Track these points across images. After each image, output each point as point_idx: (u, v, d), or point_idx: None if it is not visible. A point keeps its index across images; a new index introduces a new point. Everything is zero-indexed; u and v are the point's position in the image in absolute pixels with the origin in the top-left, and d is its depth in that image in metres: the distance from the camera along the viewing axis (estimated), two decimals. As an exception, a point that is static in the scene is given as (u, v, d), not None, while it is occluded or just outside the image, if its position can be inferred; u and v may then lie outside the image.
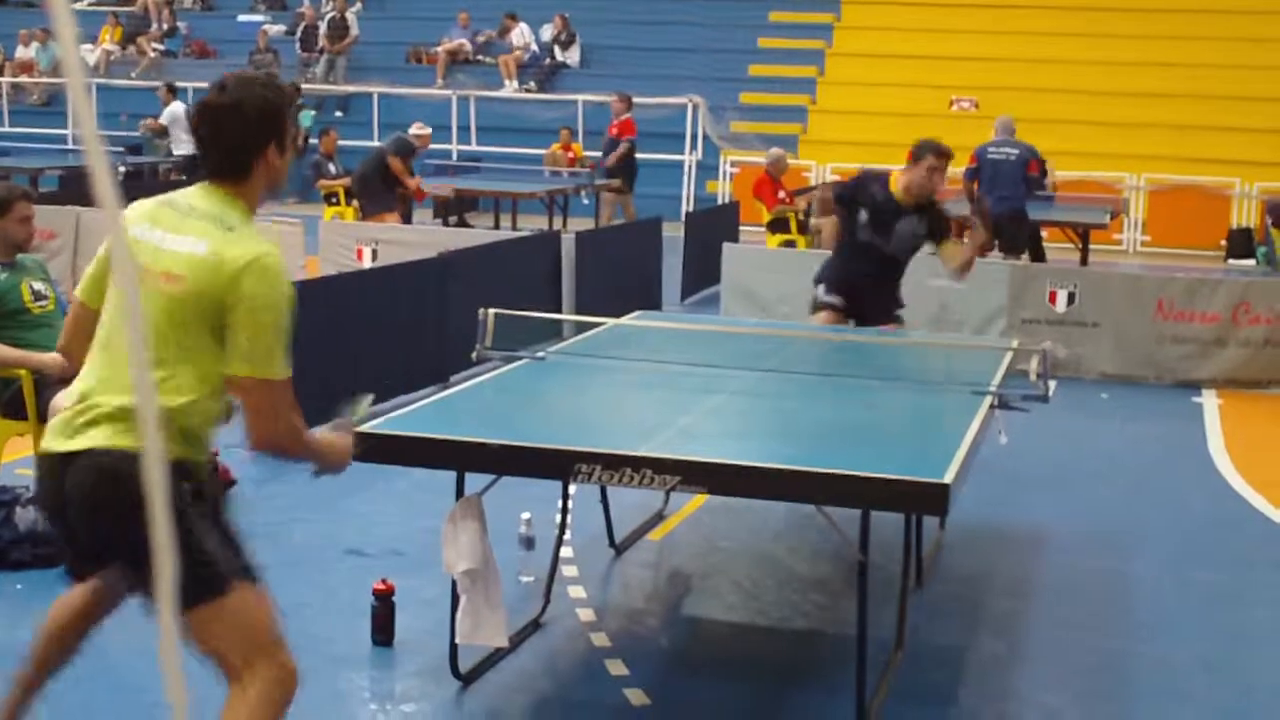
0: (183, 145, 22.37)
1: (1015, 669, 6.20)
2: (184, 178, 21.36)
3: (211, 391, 4.17)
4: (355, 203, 17.40)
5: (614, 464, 4.97)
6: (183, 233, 4.13)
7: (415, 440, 5.29)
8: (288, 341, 4.18)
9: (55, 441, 4.10)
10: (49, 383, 7.21)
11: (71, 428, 4.07)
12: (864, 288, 8.80)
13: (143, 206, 4.26)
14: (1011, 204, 14.82)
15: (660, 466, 4.91)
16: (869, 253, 8.70)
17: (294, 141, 4.38)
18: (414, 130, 17.81)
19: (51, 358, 7.12)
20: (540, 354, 6.88)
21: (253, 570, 4.28)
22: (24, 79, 27.98)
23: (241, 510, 7.81)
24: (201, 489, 4.22)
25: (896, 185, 8.64)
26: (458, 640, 5.49)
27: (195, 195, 4.25)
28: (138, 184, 19.61)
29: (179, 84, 24.70)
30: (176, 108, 22.97)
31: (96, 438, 4.02)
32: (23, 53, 28.50)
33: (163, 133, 23.54)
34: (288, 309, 4.18)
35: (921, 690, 5.90)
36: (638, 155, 20.69)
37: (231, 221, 4.15)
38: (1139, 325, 12.05)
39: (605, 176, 20.23)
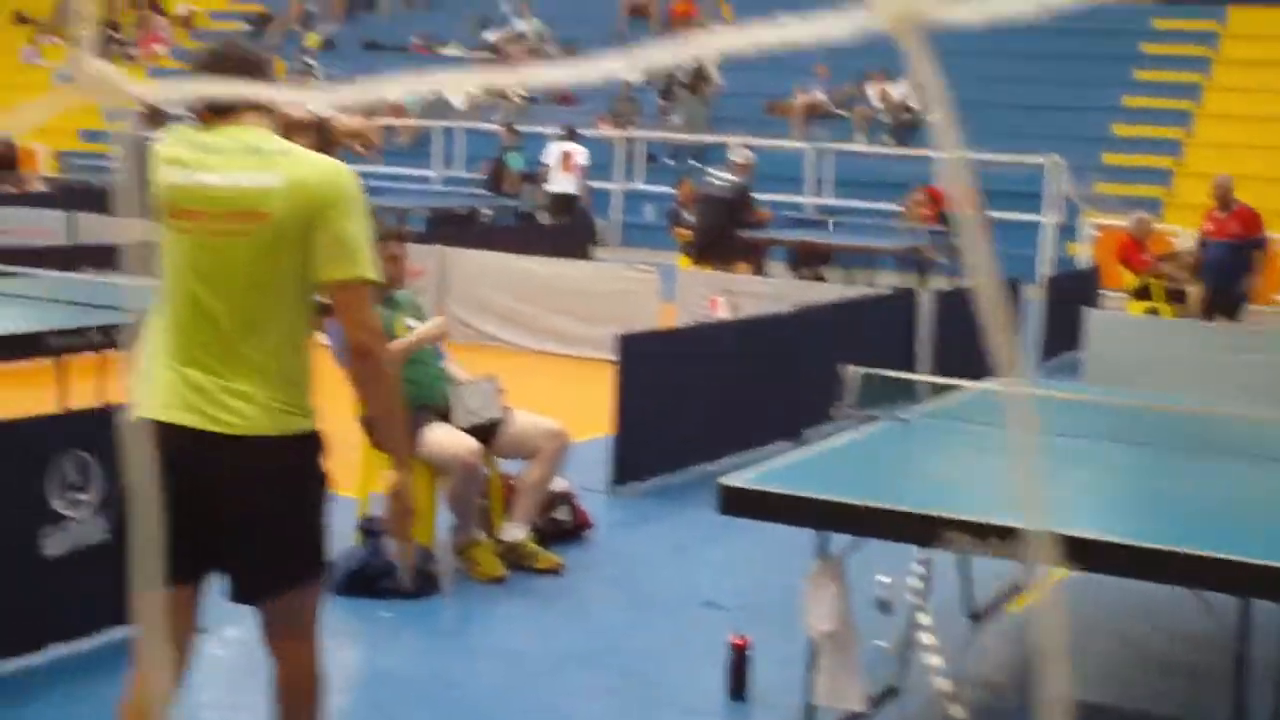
0: (558, 184, 22.88)
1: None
2: (554, 218, 21.94)
3: (308, 341, 4.21)
4: (698, 251, 17.45)
5: (982, 533, 4.87)
6: (228, 169, 4.07)
7: (779, 496, 5.27)
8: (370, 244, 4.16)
9: (188, 416, 4.00)
10: (420, 417, 7.44)
11: (201, 406, 4.02)
12: None
13: (159, 149, 4.19)
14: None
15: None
16: None
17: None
18: (737, 160, 17.75)
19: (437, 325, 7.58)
20: (903, 415, 6.80)
21: None
22: (394, 121, 29.09)
23: (601, 556, 7.98)
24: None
25: None
26: (816, 701, 5.45)
27: (214, 132, 4.15)
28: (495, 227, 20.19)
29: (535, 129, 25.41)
30: (555, 148, 23.50)
31: (255, 421, 4.02)
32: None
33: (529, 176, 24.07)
34: (365, 211, 4.17)
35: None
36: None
37: (280, 145, 4.15)
38: None
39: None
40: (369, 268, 4.07)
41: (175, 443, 3.87)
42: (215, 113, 4.15)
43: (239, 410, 4.00)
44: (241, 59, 4.29)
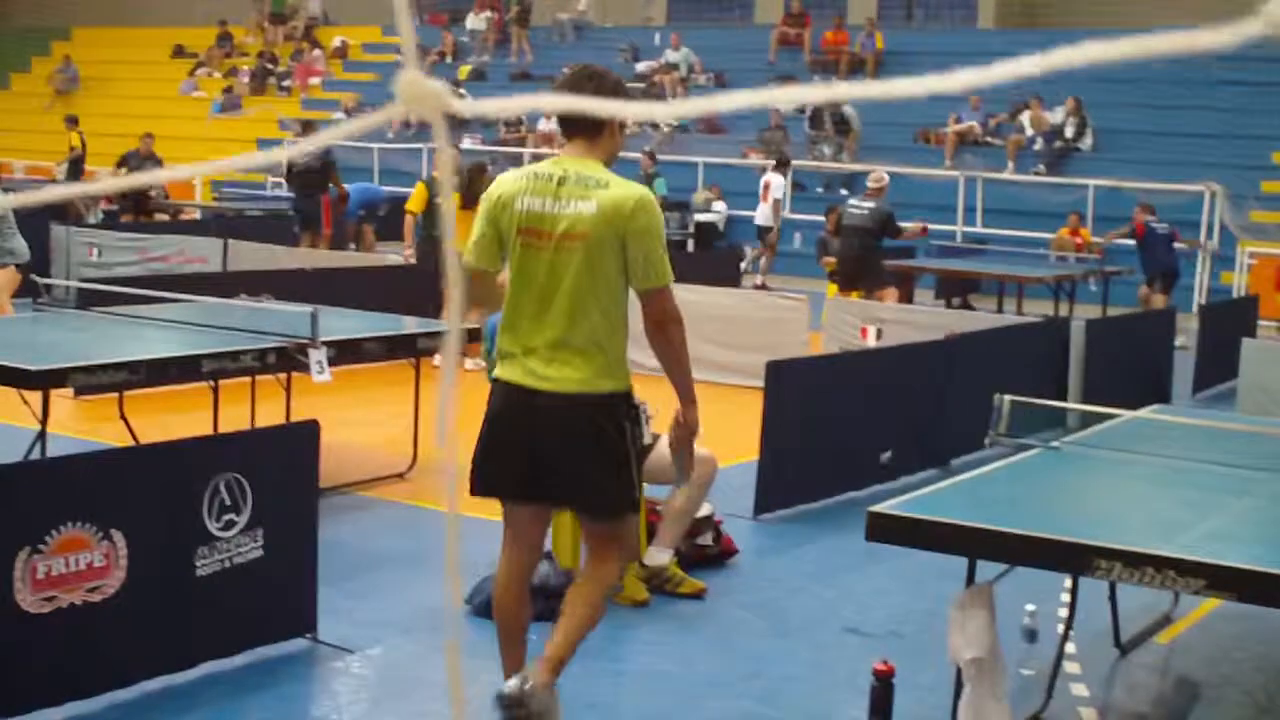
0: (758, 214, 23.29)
1: None
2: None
3: (621, 324, 5.39)
4: (839, 279, 17.16)
5: (1135, 562, 4.79)
6: (566, 199, 5.24)
7: (930, 523, 5.22)
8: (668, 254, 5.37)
9: (528, 379, 5.29)
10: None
11: (538, 371, 5.29)
12: None
13: (516, 184, 5.35)
14: None
15: (1185, 568, 4.71)
16: None
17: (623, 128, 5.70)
18: (870, 183, 17.56)
19: None
20: (1054, 444, 6.72)
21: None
22: (545, 150, 29.34)
23: (743, 582, 7.96)
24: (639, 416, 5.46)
25: None
26: (960, 730, 5.38)
27: (555, 165, 5.37)
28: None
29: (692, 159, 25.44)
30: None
31: (574, 381, 5.25)
32: (544, 124, 29.90)
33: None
34: (663, 230, 5.38)
35: None
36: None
37: (602, 178, 5.27)
38: None
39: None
40: (667, 274, 5.30)
41: (519, 398, 5.30)
42: (567, 136, 5.50)
43: (562, 376, 5.25)
44: (598, 84, 5.45)
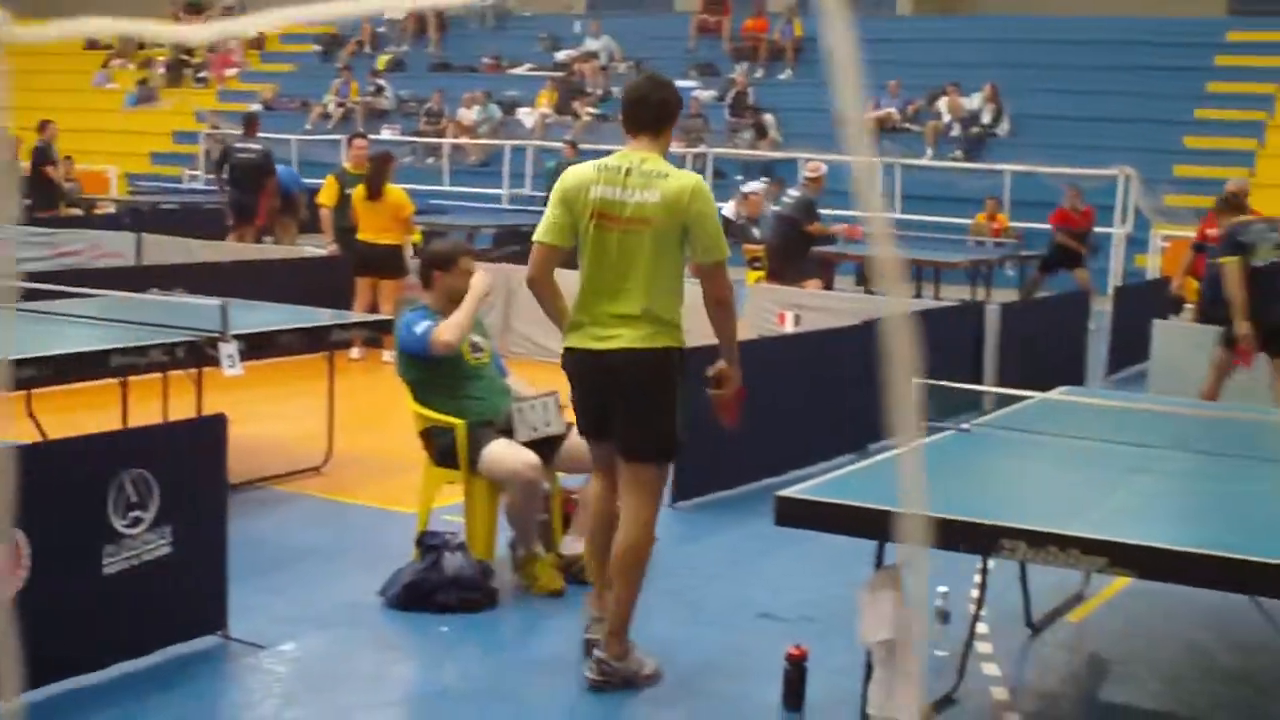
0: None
1: None
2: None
3: (678, 293, 6.18)
4: (766, 268, 17.05)
5: (1039, 541, 4.84)
6: (631, 188, 6.03)
7: (838, 507, 5.25)
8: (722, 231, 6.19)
9: (593, 343, 6.12)
10: (482, 433, 7.47)
11: (601, 335, 6.12)
12: None
13: (587, 174, 6.16)
14: None
15: (1088, 547, 4.76)
16: None
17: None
18: (807, 173, 17.54)
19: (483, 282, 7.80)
20: (965, 426, 6.76)
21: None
22: (465, 140, 29.23)
23: (659, 569, 7.95)
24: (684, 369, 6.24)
25: None
26: (869, 711, 5.41)
27: (621, 159, 6.14)
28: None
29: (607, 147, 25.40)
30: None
31: (630, 339, 6.06)
32: (464, 115, 29.77)
33: None
34: (716, 210, 6.21)
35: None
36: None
37: (662, 170, 6.06)
38: None
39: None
40: (725, 249, 6.15)
41: (588, 360, 6.17)
42: (631, 133, 6.26)
43: (621, 336, 6.07)
44: (647, 92, 6.33)
